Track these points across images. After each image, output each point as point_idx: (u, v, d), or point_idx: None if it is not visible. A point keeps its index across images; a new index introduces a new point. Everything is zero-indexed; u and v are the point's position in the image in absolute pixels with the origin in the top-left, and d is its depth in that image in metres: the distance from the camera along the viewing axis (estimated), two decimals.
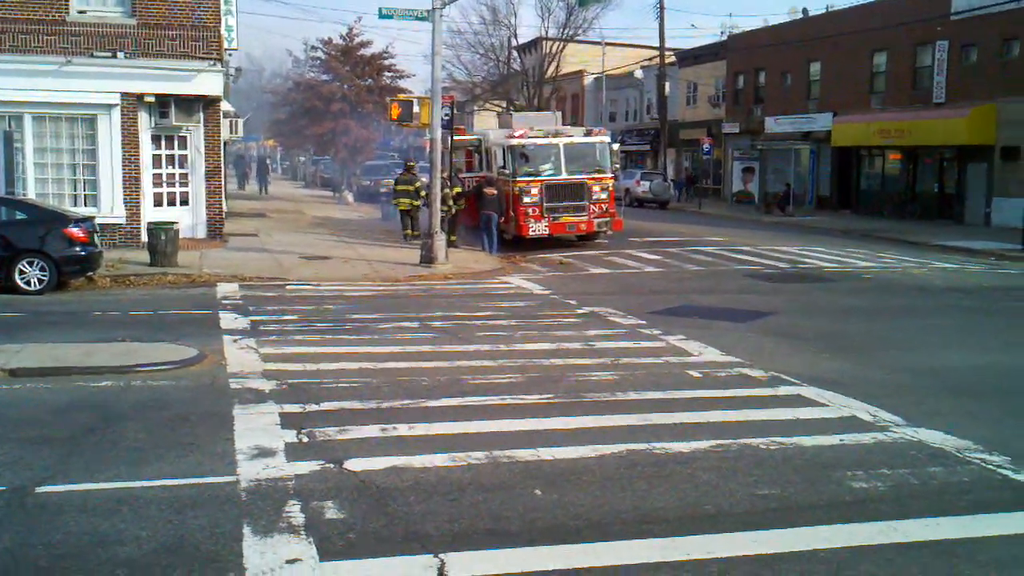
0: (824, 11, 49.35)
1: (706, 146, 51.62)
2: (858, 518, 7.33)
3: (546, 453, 8.74)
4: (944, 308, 18.48)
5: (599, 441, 9.11)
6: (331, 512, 7.27)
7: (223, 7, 27.85)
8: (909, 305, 18.67)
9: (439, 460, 8.49)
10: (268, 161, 72.08)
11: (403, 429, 9.44)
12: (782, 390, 11.41)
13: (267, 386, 11.09)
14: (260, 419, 9.70)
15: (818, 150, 47.31)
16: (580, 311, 17.15)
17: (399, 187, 29.53)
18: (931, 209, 39.49)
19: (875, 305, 18.57)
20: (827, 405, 10.71)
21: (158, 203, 25.66)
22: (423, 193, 27.14)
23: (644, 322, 15.95)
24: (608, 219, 28.51)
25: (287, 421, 9.64)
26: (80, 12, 24.14)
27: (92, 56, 24.05)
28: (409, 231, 28.64)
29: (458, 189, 27.07)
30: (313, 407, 10.20)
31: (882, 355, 13.68)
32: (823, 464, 8.62)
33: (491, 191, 26.91)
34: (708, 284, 21.28)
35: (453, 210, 26.08)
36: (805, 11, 51.99)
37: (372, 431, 9.37)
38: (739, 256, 26.39)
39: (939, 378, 12.31)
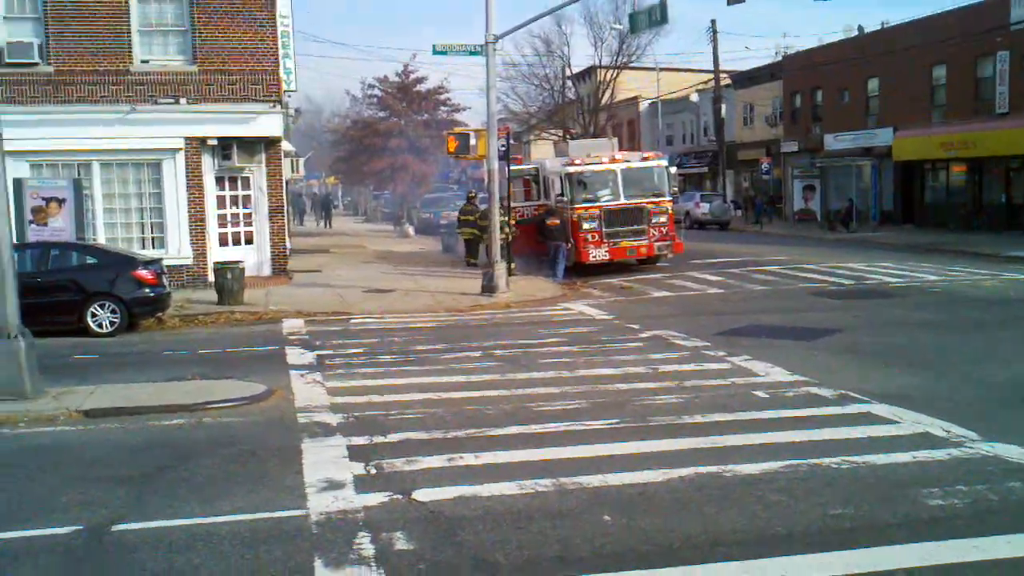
0: (879, 27, 48.85)
1: (765, 166, 51.21)
2: (936, 536, 7.17)
3: (613, 478, 8.69)
4: (1017, 319, 18.06)
5: (666, 465, 9.03)
6: (401, 543, 7.30)
7: (281, 51, 28.40)
8: (979, 318, 18.27)
9: (506, 488, 8.49)
10: (330, 198, 73.19)
11: (469, 458, 9.46)
12: (851, 408, 11.22)
13: (334, 419, 11.20)
14: (328, 452, 9.79)
15: (880, 165, 46.66)
16: (643, 335, 17.07)
17: (462, 217, 30.87)
18: (999, 220, 38.68)
19: (944, 319, 18.21)
20: (898, 422, 10.51)
21: (223, 243, 26.13)
22: (481, 222, 27.63)
23: (708, 344, 15.82)
24: (668, 242, 28.39)
25: (355, 453, 9.71)
26: (143, 62, 24.78)
27: (156, 103, 24.66)
28: (471, 258, 29.81)
29: (505, 218, 27.07)
30: (380, 439, 10.27)
31: (953, 369, 13.41)
32: (897, 482, 8.45)
33: (554, 221, 27.03)
34: (772, 303, 21.06)
35: (509, 238, 26.28)
36: (860, 28, 51.51)
37: (439, 461, 9.40)
38: (803, 275, 26.07)
39: (1014, 391, 12.02)
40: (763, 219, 49.83)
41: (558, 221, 27.02)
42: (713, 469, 8.89)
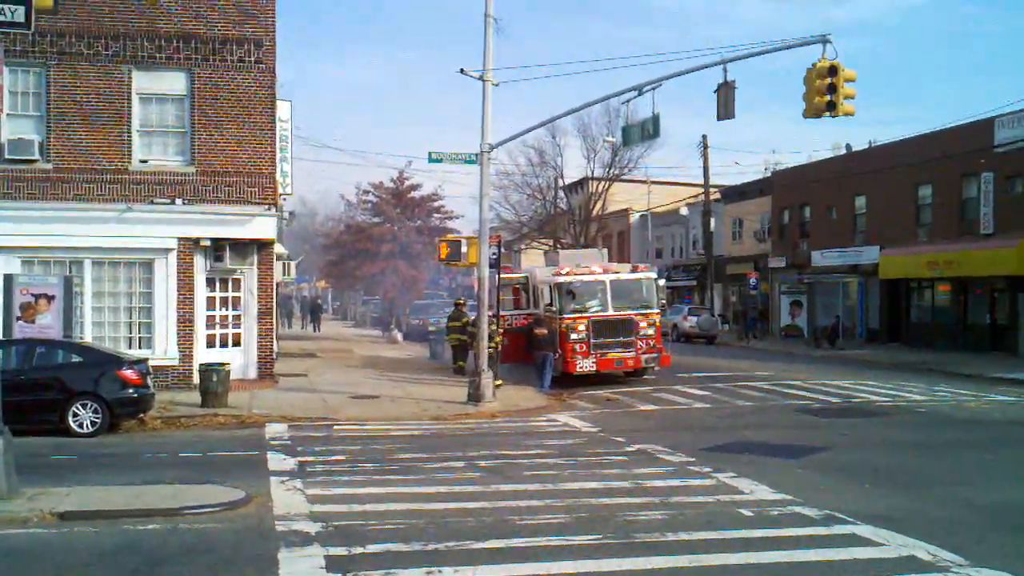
0: (867, 146, 49.90)
1: (753, 280, 51.66)
2: None
3: None
4: (1002, 441, 18.02)
5: None
6: None
7: (279, 154, 28.84)
8: (965, 439, 18.22)
9: None
10: (320, 301, 73.33)
11: (448, 572, 9.30)
12: (837, 529, 11.11)
13: (313, 528, 11.03)
14: (305, 562, 9.63)
15: (866, 283, 47.11)
16: (628, 449, 16.95)
17: (450, 323, 31.34)
18: (983, 341, 38.90)
19: (930, 439, 18.16)
20: (885, 544, 10.39)
21: (211, 344, 26.04)
22: (470, 328, 27.75)
23: (694, 459, 15.72)
24: (656, 355, 28.41)
25: (332, 565, 9.54)
26: (142, 161, 25.12)
27: (152, 203, 24.89)
28: (458, 364, 30.21)
29: (493, 327, 27.10)
30: (359, 549, 10.10)
31: (939, 490, 13.32)
32: None
33: (542, 331, 27.03)
34: (758, 419, 20.99)
35: (499, 347, 26.34)
36: (848, 146, 52.66)
37: (418, 574, 9.23)
38: (789, 391, 26.06)
39: (1001, 514, 11.93)
40: (754, 333, 49.99)
41: (546, 331, 27.07)
42: None
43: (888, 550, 10.18)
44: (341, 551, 10.05)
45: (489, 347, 25.35)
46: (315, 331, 59.28)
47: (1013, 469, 15.32)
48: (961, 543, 10.33)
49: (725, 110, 20.47)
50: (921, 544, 10.31)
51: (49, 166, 24.49)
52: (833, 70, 18.65)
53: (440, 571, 9.33)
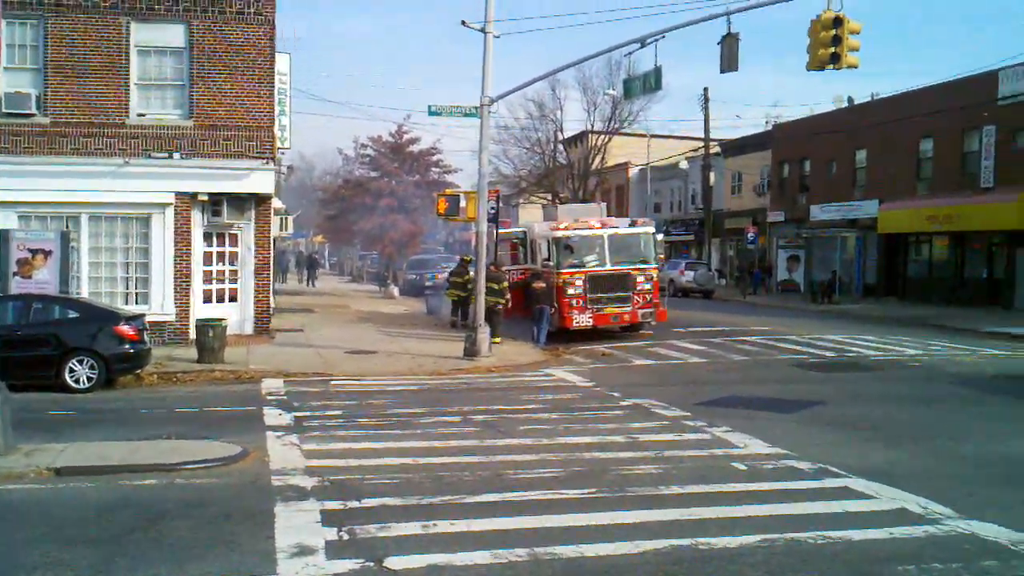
0: (869, 99, 49.59)
1: (751, 235, 51.60)
2: None
3: (589, 550, 8.62)
4: (995, 395, 18.09)
5: (643, 537, 8.97)
6: None
7: (276, 108, 28.64)
8: (959, 393, 18.30)
9: (480, 558, 8.41)
10: (316, 256, 73.31)
11: (444, 526, 9.38)
12: (829, 482, 11.19)
13: (309, 483, 11.10)
14: (302, 517, 9.69)
15: (864, 237, 47.06)
16: (623, 403, 17.03)
17: (452, 278, 31.13)
18: (980, 295, 38.95)
19: (924, 393, 18.24)
20: (876, 497, 10.48)
21: (207, 299, 26.06)
22: (470, 286, 27.68)
23: (688, 414, 15.79)
24: (652, 310, 28.43)
25: (328, 518, 9.62)
26: (140, 115, 24.95)
27: (149, 157, 24.76)
28: (457, 319, 30.18)
29: (501, 285, 27.07)
30: (355, 504, 10.18)
31: (931, 444, 13.41)
32: (873, 559, 8.41)
33: (540, 285, 26.97)
34: (753, 374, 21.07)
35: (508, 304, 26.42)
36: (850, 99, 52.29)
37: (413, 528, 9.31)
38: (785, 345, 26.13)
39: (991, 467, 12.02)
40: (756, 289, 50.16)
41: (544, 284, 27.03)
42: (689, 542, 8.84)
43: (880, 503, 10.27)
44: (337, 505, 10.12)
45: (500, 302, 25.47)
46: (311, 286, 59.35)
47: (1005, 423, 15.40)
48: (952, 496, 10.41)
49: (728, 63, 20.30)
50: (912, 497, 10.40)
51: (46, 120, 24.34)
52: (838, 21, 18.46)
53: (436, 524, 9.40)
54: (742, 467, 12.04)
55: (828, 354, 24.35)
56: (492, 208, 26.39)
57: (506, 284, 26.92)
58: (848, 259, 48.21)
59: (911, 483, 11.00)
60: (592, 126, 63.84)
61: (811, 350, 25.07)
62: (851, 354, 24.37)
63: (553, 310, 27.27)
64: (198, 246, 25.81)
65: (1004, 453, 12.91)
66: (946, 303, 39.65)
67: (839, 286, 44.90)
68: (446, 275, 35.19)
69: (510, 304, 26.90)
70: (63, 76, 24.40)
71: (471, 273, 29.12)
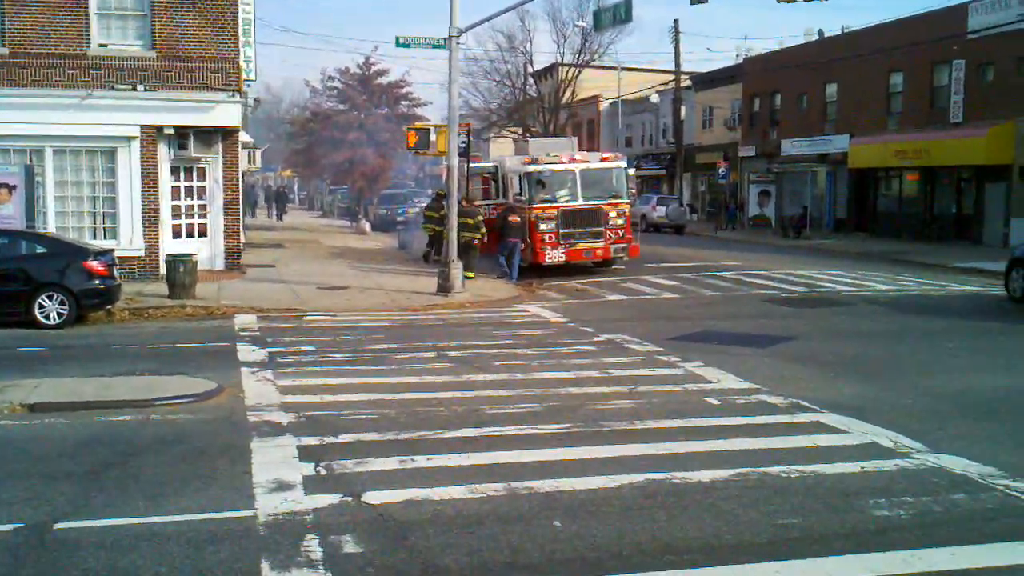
0: (840, 32, 49.38)
1: (722, 170, 51.58)
2: (881, 547, 7.26)
3: (564, 484, 8.70)
4: (965, 330, 18.34)
5: (617, 471, 9.06)
6: (349, 546, 7.25)
7: (241, 39, 28.10)
8: (928, 328, 18.52)
9: (457, 492, 8.47)
10: (285, 191, 72.62)
11: (421, 461, 9.42)
12: (801, 417, 11.33)
13: (285, 419, 11.10)
14: (278, 452, 9.71)
15: (835, 172, 47.20)
16: (597, 339, 17.11)
17: (427, 212, 30.84)
18: (949, 230, 39.30)
19: (894, 328, 18.45)
20: (847, 432, 10.62)
21: (177, 235, 25.81)
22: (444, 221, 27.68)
23: (661, 349, 15.89)
24: (625, 245, 28.46)
25: (305, 454, 9.63)
26: (101, 46, 24.41)
27: (112, 89, 24.29)
28: (431, 252, 29.95)
29: (480, 219, 26.95)
30: (331, 439, 10.20)
31: (902, 379, 13.59)
32: (845, 492, 8.54)
33: (515, 219, 26.83)
34: (725, 310, 21.21)
35: (484, 238, 26.33)
36: (821, 32, 52.07)
37: (390, 463, 9.35)
38: (756, 281, 26.30)
39: (961, 402, 12.21)
40: (733, 224, 50.36)
41: (519, 219, 26.92)
42: (664, 476, 8.93)
43: (852, 437, 10.41)
44: (313, 441, 10.14)
45: (476, 237, 25.42)
46: (280, 220, 58.97)
47: (975, 358, 15.62)
48: (922, 430, 10.58)
49: None
50: (883, 431, 10.55)
51: (5, 51, 23.74)
52: None
53: (413, 459, 9.45)
54: (715, 402, 12.15)
55: (799, 289, 24.54)
56: (463, 142, 26.16)
57: (481, 219, 26.80)
58: (819, 194, 48.37)
59: (882, 417, 11.16)
60: (562, 58, 63.33)
61: (782, 285, 25.24)
62: (822, 289, 24.57)
63: (525, 245, 27.23)
64: (165, 180, 25.48)
65: (974, 388, 13.09)
66: (916, 238, 39.98)
67: (810, 221, 45.12)
68: (419, 209, 35.01)
69: (486, 239, 26.81)
70: (21, 5, 23.72)
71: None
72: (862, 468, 9.26)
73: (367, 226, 48.66)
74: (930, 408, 11.87)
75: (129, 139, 24.65)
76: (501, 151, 52.02)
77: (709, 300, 22.87)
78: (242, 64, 27.77)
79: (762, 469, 9.14)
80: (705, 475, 8.97)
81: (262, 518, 7.81)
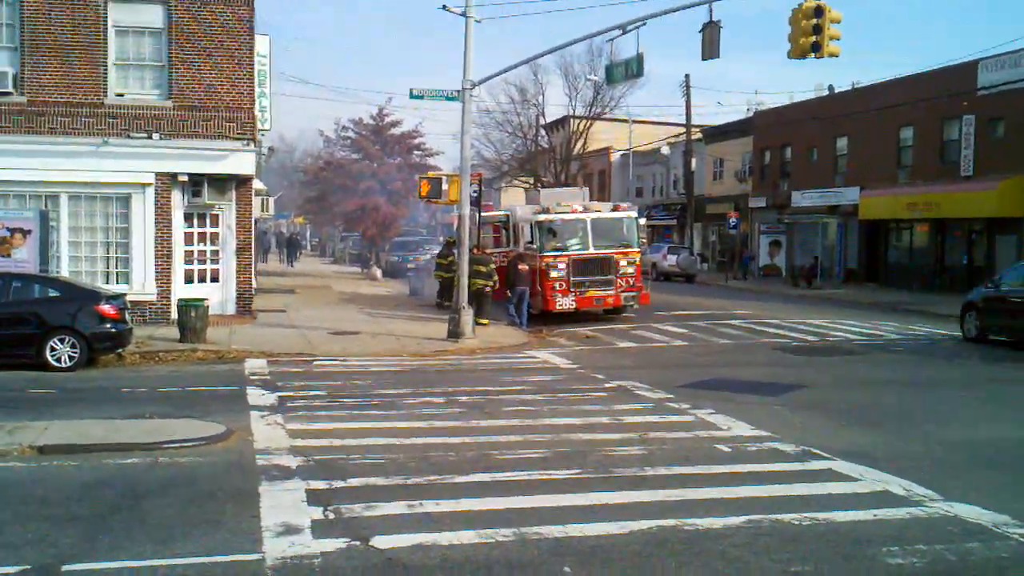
0: (850, 87, 49.70)
1: (732, 220, 51.69)
2: None
3: (574, 530, 8.63)
4: (977, 380, 18.24)
5: (628, 517, 8.98)
6: None
7: (257, 89, 28.44)
8: (940, 377, 18.43)
9: (466, 537, 8.40)
10: (297, 237, 73.05)
11: (430, 505, 9.37)
12: (813, 464, 11.25)
13: (294, 462, 11.06)
14: (287, 496, 9.66)
15: (845, 223, 47.25)
16: (607, 385, 17.06)
17: (439, 259, 31.80)
18: (960, 282, 39.14)
19: (906, 377, 18.36)
20: (860, 479, 10.53)
21: (189, 279, 25.92)
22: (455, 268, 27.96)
23: (672, 396, 15.84)
24: (635, 293, 28.47)
25: (314, 498, 9.59)
26: (118, 95, 24.72)
27: (128, 137, 24.56)
28: (445, 301, 29.94)
29: (492, 266, 27.10)
30: (340, 483, 10.15)
31: (914, 428, 13.50)
32: (857, 540, 8.46)
33: (524, 267, 26.98)
34: (736, 358, 21.14)
35: (496, 286, 26.45)
36: (831, 88, 52.42)
37: (399, 507, 9.30)
38: (767, 329, 26.24)
39: (974, 451, 12.11)
40: (745, 273, 50.45)
41: (527, 267, 27.01)
42: (674, 523, 8.86)
43: (864, 485, 10.32)
44: (322, 485, 10.09)
45: (488, 285, 25.53)
46: (290, 266, 59.40)
47: (987, 407, 15.52)
48: (935, 479, 10.48)
49: (710, 50, 20.34)
50: (896, 479, 10.46)
51: (23, 99, 24.06)
52: (819, 11, 18.59)
53: (422, 504, 9.39)
54: (726, 449, 12.08)
55: (810, 338, 24.47)
56: (474, 191, 26.35)
57: (493, 266, 26.91)
58: (829, 245, 48.42)
59: (895, 466, 11.07)
60: (574, 111, 63.76)
61: (793, 334, 25.18)
62: (833, 338, 24.50)
63: (535, 293, 27.27)
64: (179, 226, 25.64)
65: (987, 437, 13.00)
66: (926, 289, 39.88)
67: (820, 271, 45.10)
68: (428, 257, 35.37)
69: (498, 286, 26.89)
70: (40, 55, 24.12)
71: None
72: (875, 516, 9.17)
73: (378, 272, 48.81)
74: (944, 456, 11.77)
75: (144, 186, 24.87)
76: (512, 200, 52.33)
77: (720, 348, 22.81)
78: (257, 114, 28.07)
79: (773, 516, 9.06)
80: (716, 522, 8.89)
81: (270, 561, 7.76)
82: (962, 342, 23.78)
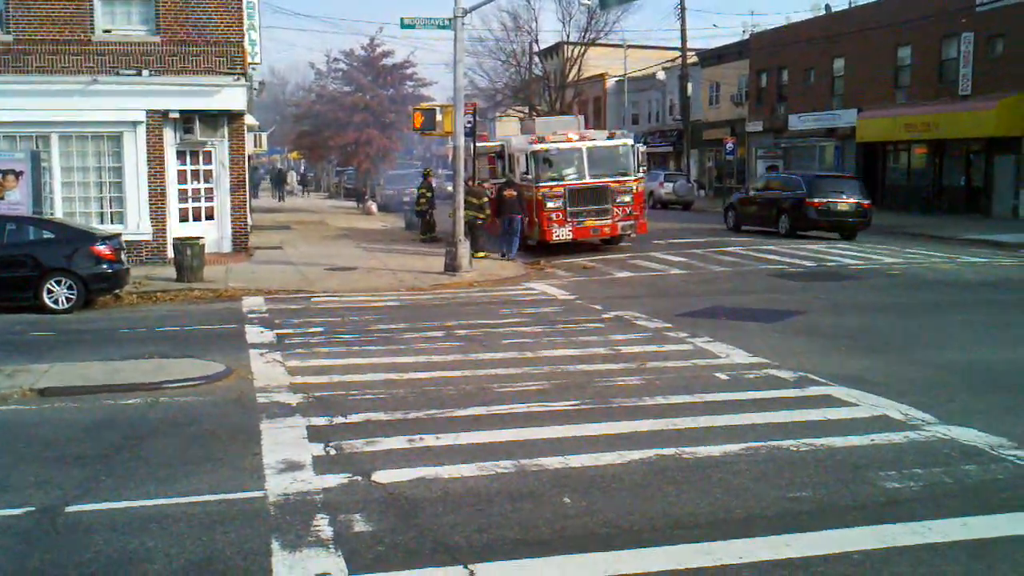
0: (847, 7, 49.06)
1: (729, 145, 51.43)
2: (892, 519, 7.24)
3: (574, 460, 8.68)
4: (974, 303, 18.26)
5: (627, 447, 9.04)
6: (359, 525, 7.25)
7: (246, 22, 28.02)
8: (938, 300, 18.46)
9: (466, 470, 8.46)
10: (295, 172, 72.69)
11: (430, 440, 9.42)
12: (811, 390, 11.30)
13: (294, 400, 11.11)
14: (287, 433, 9.71)
15: (843, 146, 46.99)
16: (605, 315, 17.08)
17: (420, 190, 32.80)
18: (958, 203, 39.13)
19: (903, 301, 18.39)
20: (857, 405, 10.59)
21: (183, 218, 25.82)
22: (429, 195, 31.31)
23: (670, 325, 15.86)
24: (632, 222, 28.32)
25: (314, 434, 9.64)
26: (106, 31, 24.36)
27: (118, 74, 24.26)
28: (421, 234, 31.87)
29: (485, 199, 26.99)
30: (340, 420, 10.20)
31: (912, 352, 13.54)
32: (855, 465, 8.52)
33: (511, 193, 26.74)
34: (734, 285, 21.15)
35: (488, 218, 26.37)
36: (828, 7, 51.72)
37: (399, 442, 9.35)
38: (764, 256, 26.20)
39: (971, 374, 12.15)
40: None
41: (514, 193, 26.75)
42: (673, 451, 8.92)
43: (861, 410, 10.38)
44: (322, 421, 10.14)
45: (480, 217, 25.42)
46: (280, 200, 59.38)
47: (985, 330, 15.55)
48: (932, 403, 10.54)
49: None
50: (893, 404, 10.52)
51: (9, 37, 23.71)
52: None
53: (422, 438, 9.44)
54: (724, 376, 12.12)
55: (808, 264, 24.45)
56: (468, 122, 26.10)
57: (486, 199, 26.77)
58: (827, 168, 48.11)
59: (892, 390, 11.12)
60: (567, 37, 62.96)
61: (791, 260, 25.15)
62: (831, 263, 24.48)
63: (529, 222, 27.16)
64: (172, 164, 25.46)
65: (984, 360, 13.04)
66: (925, 211, 39.82)
67: None
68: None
69: (491, 218, 26.77)
70: None
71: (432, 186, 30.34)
72: (872, 440, 9.23)
73: (374, 207, 48.64)
74: (941, 380, 11.82)
75: (135, 124, 24.64)
76: (507, 130, 51.90)
77: (717, 276, 22.80)
78: (247, 48, 27.69)
79: (772, 443, 9.12)
80: (715, 450, 8.95)
81: (272, 498, 7.82)
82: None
